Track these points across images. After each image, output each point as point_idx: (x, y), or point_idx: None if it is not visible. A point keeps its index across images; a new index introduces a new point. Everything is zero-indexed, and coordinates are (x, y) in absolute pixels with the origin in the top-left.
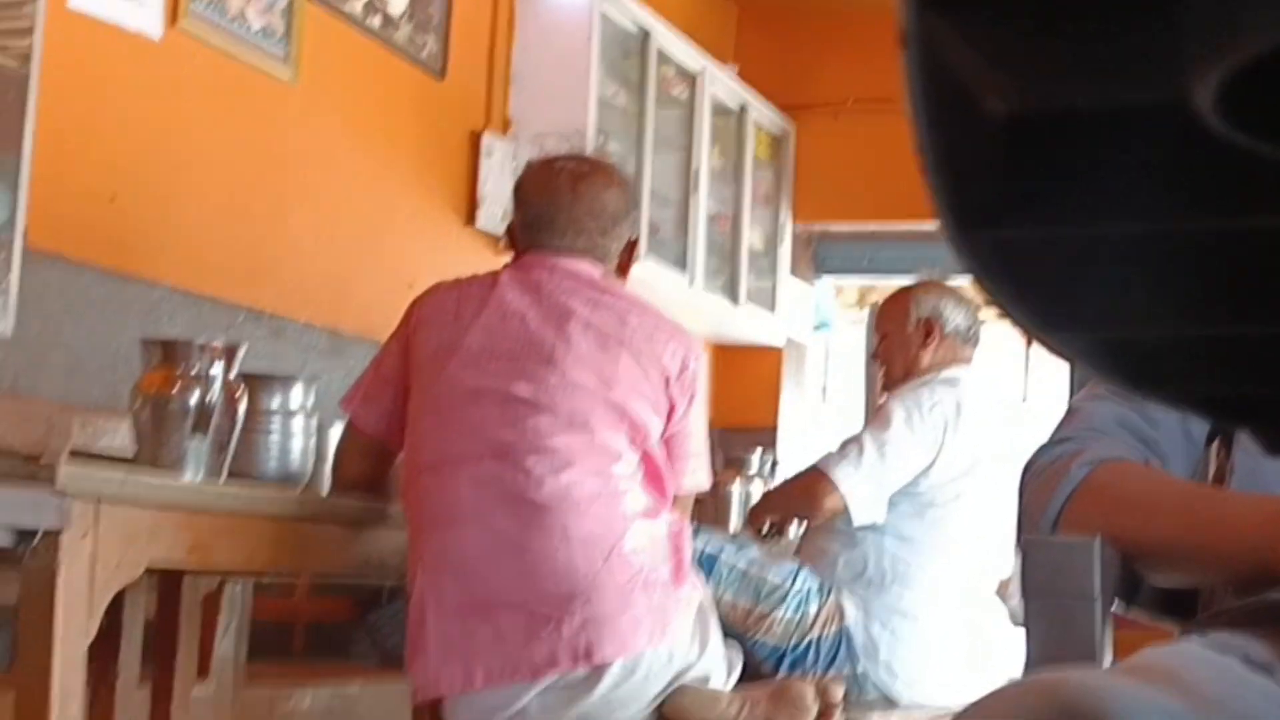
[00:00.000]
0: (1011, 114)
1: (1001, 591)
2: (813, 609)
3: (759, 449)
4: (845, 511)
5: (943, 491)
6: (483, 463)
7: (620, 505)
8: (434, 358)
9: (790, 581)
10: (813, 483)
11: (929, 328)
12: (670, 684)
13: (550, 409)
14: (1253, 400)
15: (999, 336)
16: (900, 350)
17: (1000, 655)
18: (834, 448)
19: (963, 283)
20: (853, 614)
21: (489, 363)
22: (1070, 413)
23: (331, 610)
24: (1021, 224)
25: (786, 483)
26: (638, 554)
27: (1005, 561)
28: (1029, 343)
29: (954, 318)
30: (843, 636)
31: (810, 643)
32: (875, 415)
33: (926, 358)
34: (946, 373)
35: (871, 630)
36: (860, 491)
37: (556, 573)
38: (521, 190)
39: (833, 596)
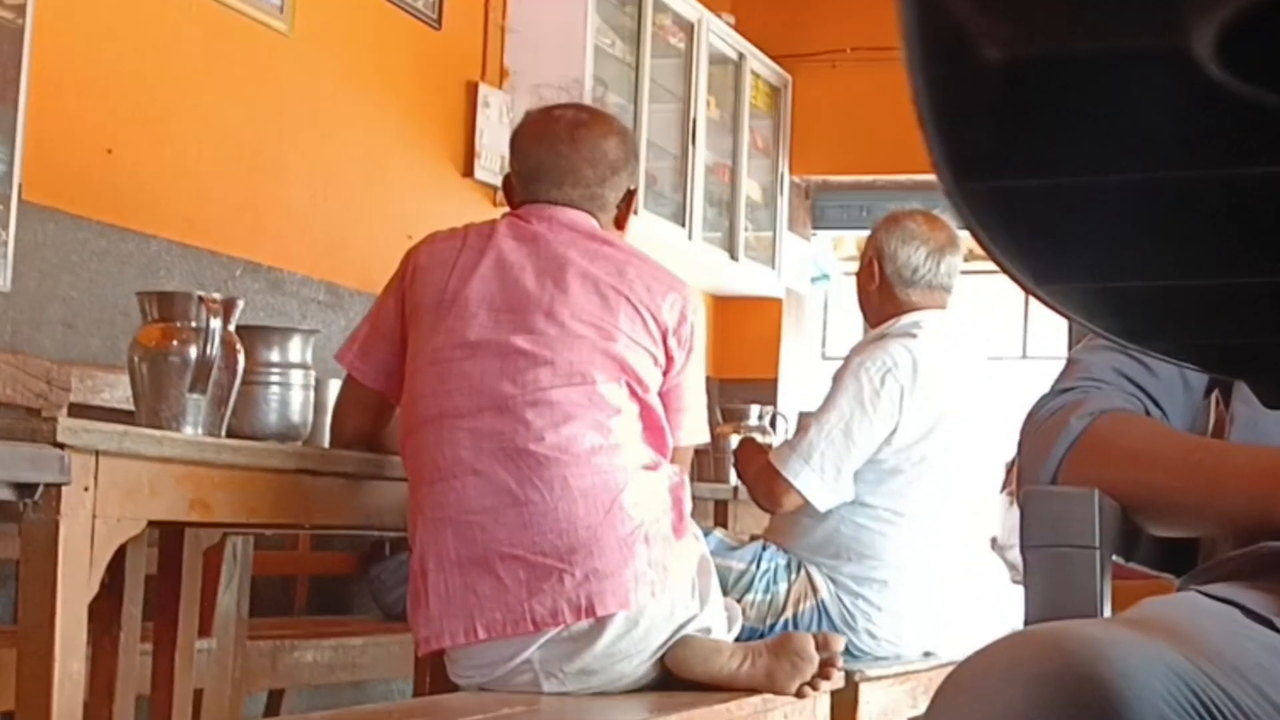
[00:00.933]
0: (1009, 62)
1: (995, 545)
2: (782, 588)
3: (758, 402)
4: (808, 504)
5: (905, 456)
6: (482, 416)
7: (620, 458)
8: (431, 310)
9: (755, 564)
10: (769, 483)
11: (872, 269)
12: (672, 636)
13: (550, 362)
14: (1251, 351)
15: (997, 290)
16: (862, 297)
17: (991, 610)
18: (790, 435)
19: (932, 214)
20: (825, 587)
21: (487, 315)
22: (1069, 364)
23: (333, 564)
24: (1018, 175)
25: (746, 474)
26: (638, 507)
27: (988, 514)
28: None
29: (903, 256)
30: (820, 610)
31: (785, 621)
32: (832, 389)
33: (877, 302)
34: (906, 320)
35: (845, 601)
36: (816, 483)
37: (557, 526)
38: (519, 140)
39: (802, 572)
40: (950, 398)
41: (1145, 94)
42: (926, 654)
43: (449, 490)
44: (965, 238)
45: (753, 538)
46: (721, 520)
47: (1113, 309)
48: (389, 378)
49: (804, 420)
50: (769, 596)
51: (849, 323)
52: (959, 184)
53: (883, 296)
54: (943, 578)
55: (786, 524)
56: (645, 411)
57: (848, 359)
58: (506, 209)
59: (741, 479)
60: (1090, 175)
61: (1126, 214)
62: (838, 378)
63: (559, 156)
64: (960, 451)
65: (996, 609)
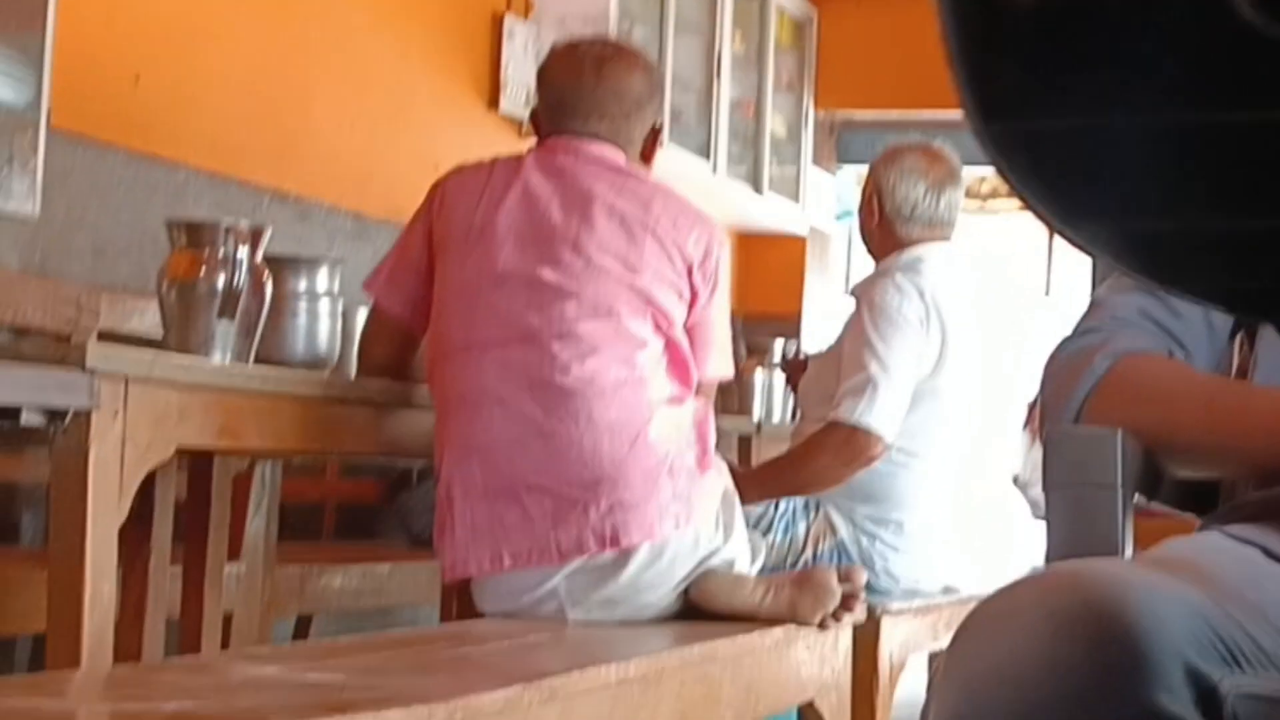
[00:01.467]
0: (1039, 2)
1: (1017, 483)
2: (801, 529)
3: (782, 338)
4: (888, 449)
5: (916, 393)
6: (509, 347)
7: (645, 392)
8: (459, 241)
9: (773, 506)
10: (851, 446)
11: (872, 206)
12: (696, 568)
13: (576, 294)
14: (1276, 294)
15: (1022, 228)
16: (864, 234)
17: (1011, 547)
18: (845, 394)
19: (932, 147)
20: (844, 527)
21: (514, 246)
22: (1094, 305)
23: (361, 492)
24: (1047, 115)
25: (807, 455)
26: (663, 440)
27: (1007, 451)
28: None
29: (901, 192)
30: (839, 550)
31: (805, 562)
32: (852, 331)
33: (879, 239)
34: (908, 256)
35: (863, 542)
36: (886, 421)
37: (583, 458)
38: (545, 74)
39: (820, 512)
40: (956, 332)
41: (1175, 34)
42: (947, 589)
43: (476, 420)
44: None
45: None
46: (745, 455)
47: (1140, 250)
48: (415, 308)
49: (816, 363)
50: (788, 538)
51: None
52: (987, 124)
53: (883, 233)
54: (960, 517)
55: None
56: (670, 346)
57: (857, 298)
58: (532, 141)
59: (820, 472)
60: (1119, 116)
61: (1155, 155)
62: (855, 319)
63: (584, 91)
64: (970, 388)
65: (1017, 546)
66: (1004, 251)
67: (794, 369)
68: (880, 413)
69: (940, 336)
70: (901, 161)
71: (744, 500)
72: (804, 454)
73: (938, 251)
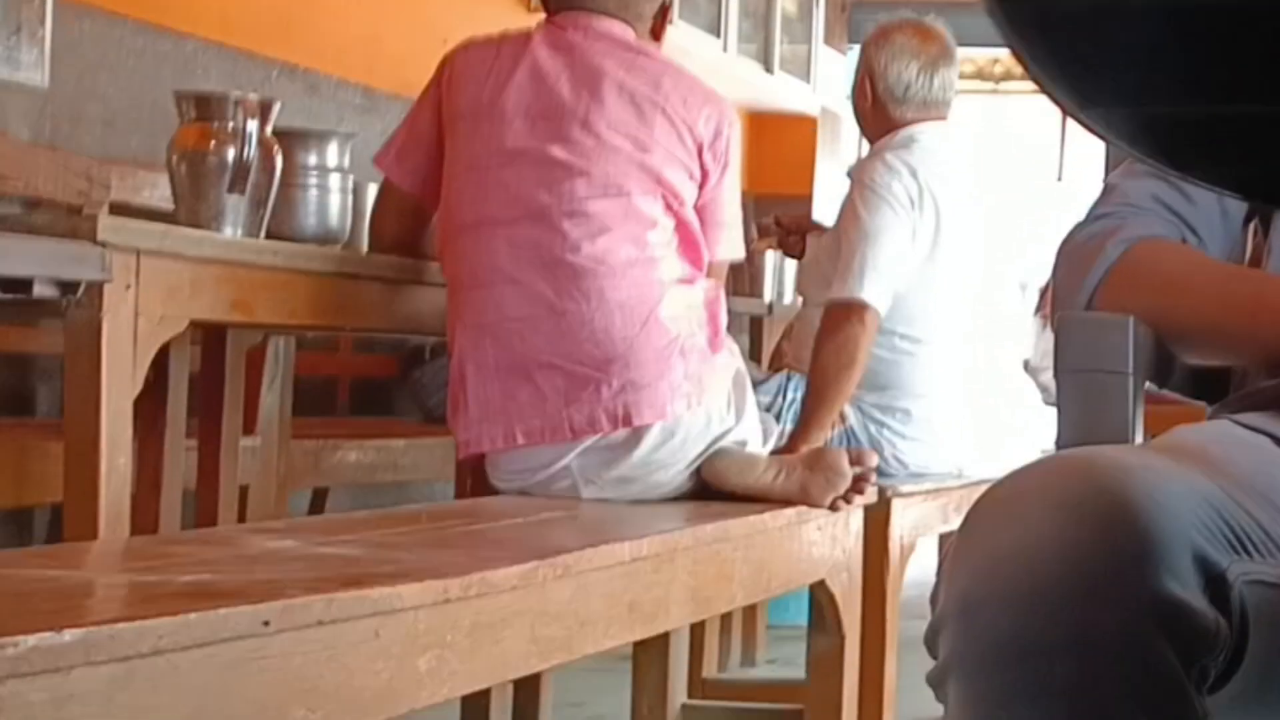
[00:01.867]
0: None
1: (1027, 368)
2: None
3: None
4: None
5: (916, 275)
6: (519, 225)
7: (656, 271)
8: (468, 117)
9: (780, 395)
10: (846, 323)
11: (865, 88)
12: (708, 448)
13: (586, 172)
14: None
15: (1035, 111)
16: (858, 115)
17: (1019, 433)
18: (838, 275)
19: (924, 25)
20: (852, 415)
21: (524, 123)
22: (1106, 190)
23: (374, 367)
24: None
25: (819, 357)
26: (675, 320)
27: (1013, 333)
28: (1065, 119)
29: (894, 73)
30: (848, 436)
31: None
32: (845, 211)
33: (873, 121)
34: (901, 135)
35: (871, 429)
36: (877, 290)
37: (594, 336)
38: None
39: None
40: (951, 211)
41: None
42: (956, 475)
43: (488, 298)
44: (983, 53)
45: (776, 369)
46: (756, 336)
47: (1154, 135)
48: (426, 182)
49: (815, 247)
50: (799, 426)
51: None
52: (1002, 3)
53: (877, 114)
54: (965, 402)
55: (809, 353)
56: (681, 226)
57: (852, 179)
58: (541, 15)
59: (830, 359)
60: None
61: (1170, 39)
62: (847, 201)
63: None
64: (969, 271)
65: (1024, 430)
66: (1016, 134)
67: (788, 229)
68: (871, 285)
69: (934, 215)
70: (892, 41)
71: (820, 433)
72: (816, 359)
73: (932, 130)
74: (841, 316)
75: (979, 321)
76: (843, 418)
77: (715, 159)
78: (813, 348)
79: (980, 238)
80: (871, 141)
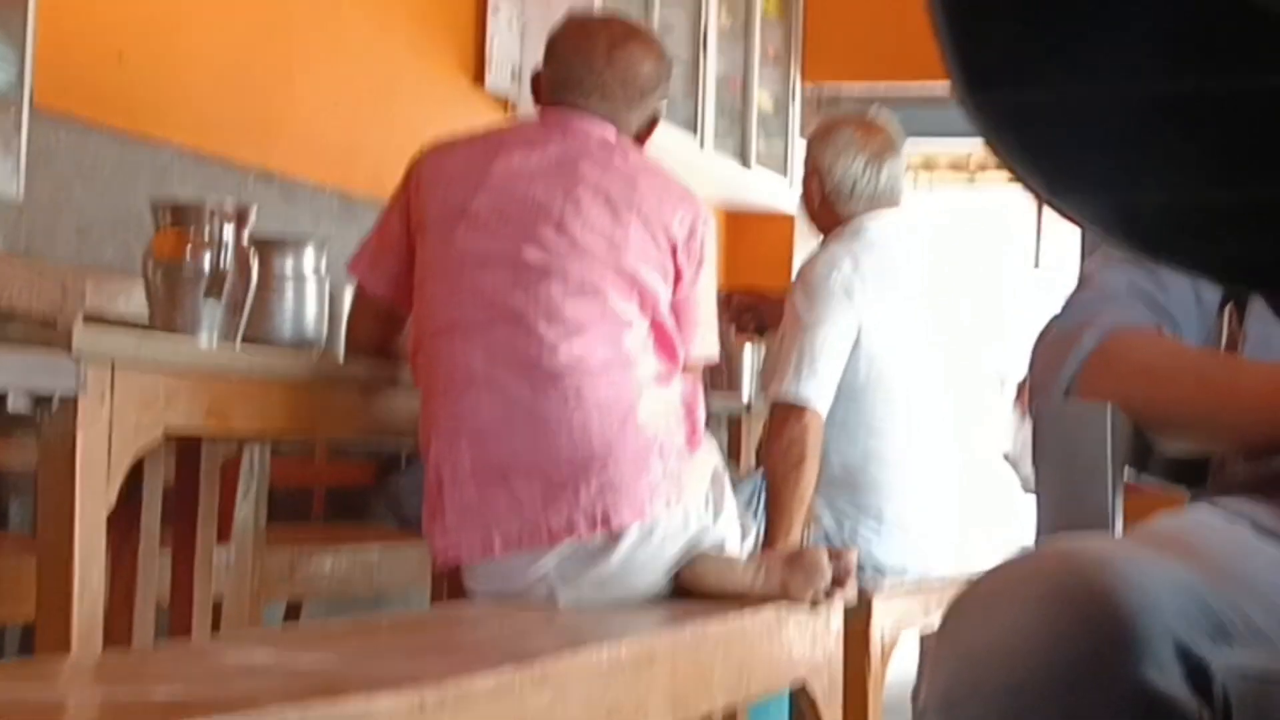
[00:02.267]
0: None
1: (1007, 460)
2: None
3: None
4: (817, 414)
5: (871, 367)
6: (495, 328)
7: (634, 371)
8: (439, 220)
9: (757, 497)
10: (785, 426)
11: (811, 187)
12: (686, 549)
13: (561, 275)
14: (1266, 266)
15: (1011, 202)
16: (809, 215)
17: (1000, 525)
18: (775, 374)
19: (866, 118)
20: (825, 515)
21: (498, 226)
22: (1082, 279)
23: (350, 474)
24: (1034, 85)
25: (769, 461)
26: (653, 420)
27: (985, 425)
28: (1041, 208)
29: (840, 171)
30: (824, 538)
31: None
32: (787, 309)
33: (824, 219)
34: (850, 226)
35: (845, 530)
36: (813, 389)
37: (572, 439)
38: (556, 45)
39: None
40: (904, 301)
41: (1164, 3)
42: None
43: (463, 402)
44: (958, 144)
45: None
46: (735, 435)
47: (1128, 221)
48: (399, 287)
49: (771, 347)
50: (766, 532)
51: None
52: (974, 94)
53: (825, 211)
54: (944, 499)
55: None
56: (656, 325)
57: (792, 290)
58: (516, 117)
59: (776, 463)
60: (1107, 86)
61: (1143, 125)
62: (790, 297)
63: (593, 71)
64: (928, 362)
65: (1005, 522)
66: (993, 224)
67: (742, 308)
68: (806, 383)
69: (881, 304)
70: (836, 138)
71: (788, 538)
72: (766, 464)
73: (883, 219)
74: (781, 419)
75: (959, 414)
76: (817, 519)
77: (689, 258)
78: (765, 448)
79: (947, 327)
80: (824, 236)
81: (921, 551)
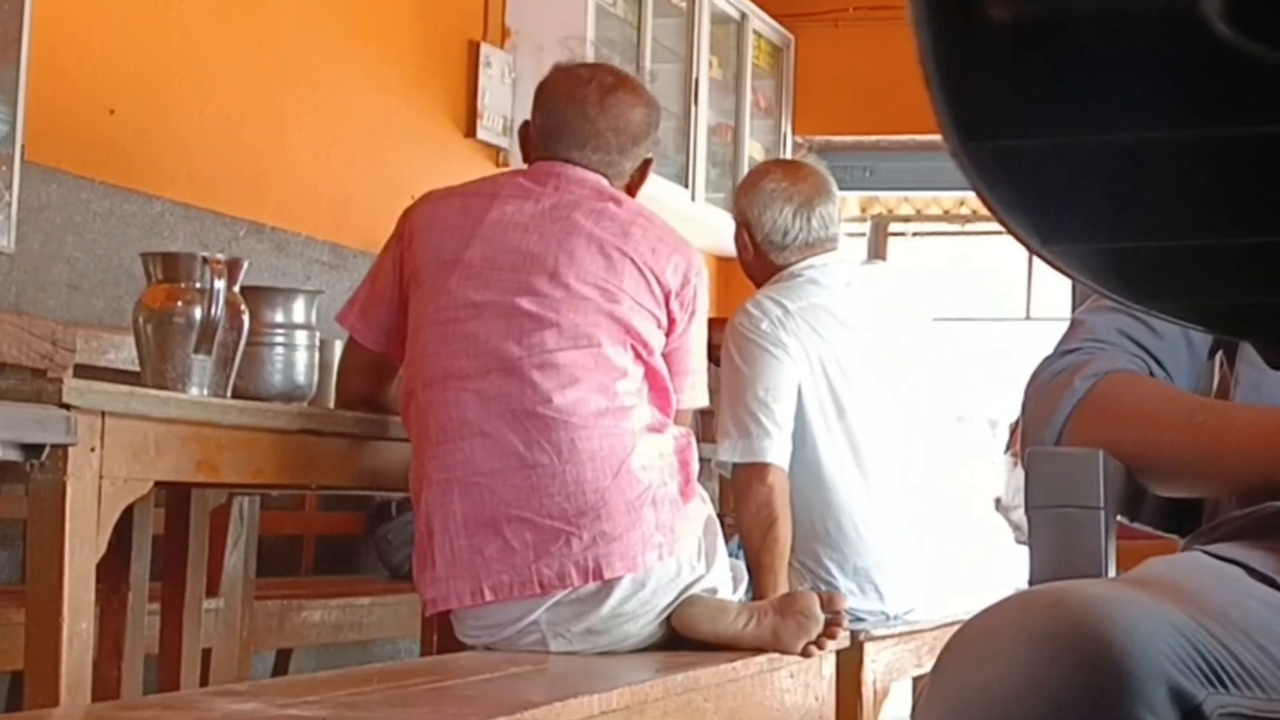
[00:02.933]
0: (1015, 19)
1: (999, 506)
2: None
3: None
4: (779, 468)
5: (819, 415)
6: (489, 377)
7: (627, 421)
8: (433, 270)
9: (737, 547)
10: (752, 487)
11: (744, 240)
12: (678, 597)
13: (555, 324)
14: (1255, 312)
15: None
16: (744, 267)
17: (991, 575)
18: (720, 437)
19: (792, 164)
20: (801, 567)
21: (491, 275)
22: (1073, 325)
23: (340, 524)
24: (1023, 134)
25: (740, 525)
26: (646, 470)
27: (966, 476)
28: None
29: (769, 222)
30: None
31: None
32: (724, 370)
33: (758, 270)
34: (785, 273)
35: (821, 581)
36: (769, 443)
37: (565, 489)
38: (545, 95)
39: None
40: (850, 341)
41: (1152, 52)
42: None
43: (456, 452)
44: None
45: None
46: (725, 484)
47: (1117, 269)
48: (390, 339)
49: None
50: (750, 596)
51: None
52: (964, 144)
53: (761, 263)
54: (912, 543)
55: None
56: (650, 374)
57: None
58: (508, 169)
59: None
60: (1096, 134)
61: (1132, 173)
62: (723, 351)
63: (585, 120)
64: (884, 405)
65: (996, 571)
66: (984, 274)
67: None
68: (760, 441)
69: (816, 344)
70: (762, 189)
71: (773, 590)
72: (740, 526)
73: (819, 261)
74: (745, 482)
75: (939, 458)
76: (796, 573)
77: (682, 307)
78: (735, 513)
79: (903, 369)
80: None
81: (892, 599)
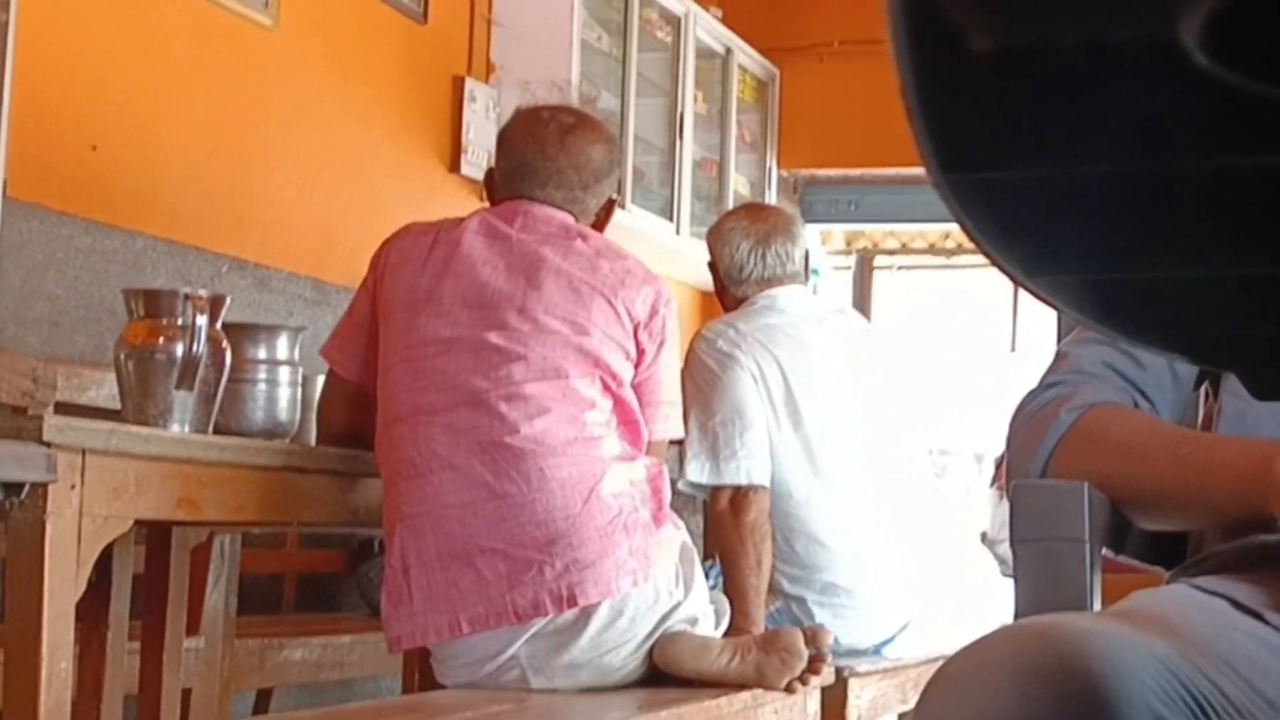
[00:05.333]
0: (996, 52)
1: (985, 540)
2: None
3: None
4: (762, 488)
5: (780, 439)
6: (457, 411)
7: (597, 449)
8: (403, 307)
9: (713, 569)
10: (741, 511)
11: (712, 273)
12: (658, 625)
13: (523, 357)
14: (1240, 343)
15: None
16: (720, 303)
17: (977, 609)
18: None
19: (755, 206)
20: (783, 586)
21: (460, 311)
22: (1058, 357)
23: (322, 562)
24: (1005, 166)
25: (718, 550)
26: (617, 497)
27: (966, 508)
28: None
29: (727, 258)
30: (781, 613)
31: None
32: (687, 398)
33: (730, 306)
34: (743, 306)
35: (793, 604)
36: (751, 464)
37: (536, 517)
38: (506, 138)
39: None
40: (803, 360)
41: (1133, 84)
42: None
43: (426, 486)
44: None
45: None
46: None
47: (1101, 301)
48: (368, 369)
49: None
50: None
51: None
52: (946, 175)
53: (728, 299)
54: (890, 569)
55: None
56: (619, 406)
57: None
58: (480, 206)
59: (733, 547)
60: (1078, 166)
61: (1115, 205)
62: (683, 375)
63: (546, 159)
64: (845, 434)
65: (982, 605)
66: (969, 306)
67: None
68: (741, 461)
69: (767, 360)
70: (723, 228)
71: (753, 619)
72: (727, 548)
73: (776, 292)
74: (726, 509)
75: (895, 487)
76: (777, 593)
77: (651, 337)
78: (715, 535)
79: (872, 396)
80: None
81: (871, 627)
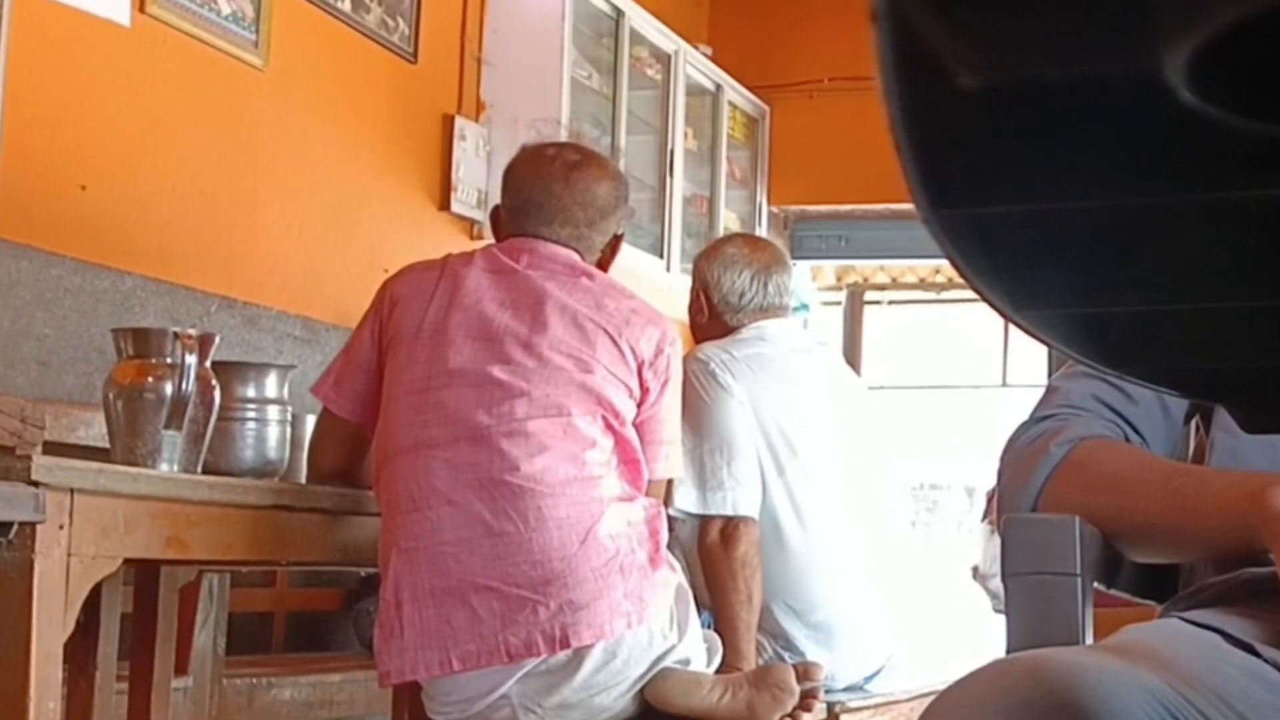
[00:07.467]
0: (983, 88)
1: (976, 574)
2: None
3: None
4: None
5: (768, 466)
6: (458, 446)
7: (596, 490)
8: (409, 340)
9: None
10: (734, 541)
11: (700, 302)
12: (651, 667)
13: (526, 393)
14: (1229, 376)
15: (977, 318)
16: (695, 332)
17: (968, 644)
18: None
19: (752, 237)
20: (772, 621)
21: (466, 345)
22: (1048, 392)
23: (312, 601)
24: (994, 201)
25: (708, 580)
26: (614, 538)
27: (958, 543)
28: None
29: (728, 283)
30: (768, 645)
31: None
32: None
33: (712, 333)
34: (732, 334)
35: (780, 637)
36: (740, 494)
37: (532, 557)
38: (512, 175)
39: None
40: (789, 393)
41: (1119, 119)
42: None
43: (424, 520)
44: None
45: None
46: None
47: (1091, 335)
48: (365, 409)
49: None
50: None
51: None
52: (935, 211)
53: (714, 325)
54: (868, 601)
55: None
56: (620, 444)
57: None
58: (482, 242)
59: (723, 582)
60: (1066, 201)
61: (1103, 239)
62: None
63: (552, 196)
64: (821, 465)
65: (974, 641)
66: (960, 341)
67: None
68: (726, 495)
69: (757, 388)
70: (723, 254)
71: (743, 655)
72: (719, 581)
73: (763, 322)
74: (717, 541)
75: (877, 523)
76: (769, 631)
77: (655, 376)
78: (704, 567)
79: (853, 429)
80: None
81: (862, 656)
